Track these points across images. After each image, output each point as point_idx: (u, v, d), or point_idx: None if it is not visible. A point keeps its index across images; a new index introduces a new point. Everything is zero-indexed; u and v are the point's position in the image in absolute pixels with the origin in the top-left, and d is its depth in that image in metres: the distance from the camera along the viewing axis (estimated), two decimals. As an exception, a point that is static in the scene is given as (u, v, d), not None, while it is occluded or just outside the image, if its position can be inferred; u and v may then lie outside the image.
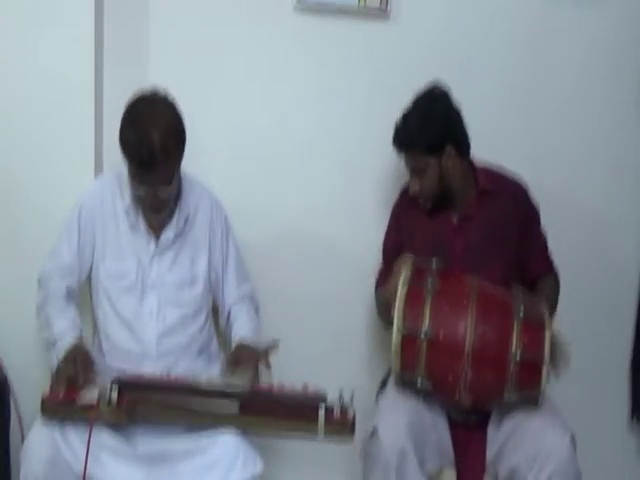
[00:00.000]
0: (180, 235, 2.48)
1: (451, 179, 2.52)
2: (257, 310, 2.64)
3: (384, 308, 2.60)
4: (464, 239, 2.54)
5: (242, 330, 2.51)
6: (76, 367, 2.23)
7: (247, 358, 2.36)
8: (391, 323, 2.32)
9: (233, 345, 2.48)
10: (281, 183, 2.90)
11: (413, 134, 2.48)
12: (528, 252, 2.59)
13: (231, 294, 2.58)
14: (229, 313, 2.59)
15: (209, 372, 2.45)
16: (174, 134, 2.31)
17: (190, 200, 2.50)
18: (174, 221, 2.46)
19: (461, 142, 2.53)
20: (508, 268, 2.52)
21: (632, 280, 2.96)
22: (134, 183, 2.35)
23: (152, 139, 2.24)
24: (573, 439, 2.27)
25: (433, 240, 2.56)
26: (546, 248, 2.66)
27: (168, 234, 2.46)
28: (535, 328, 2.28)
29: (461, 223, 2.56)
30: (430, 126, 2.47)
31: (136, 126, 2.29)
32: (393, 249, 2.67)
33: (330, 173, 2.90)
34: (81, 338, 2.37)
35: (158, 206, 2.40)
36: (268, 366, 2.32)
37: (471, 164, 2.59)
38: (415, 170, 2.53)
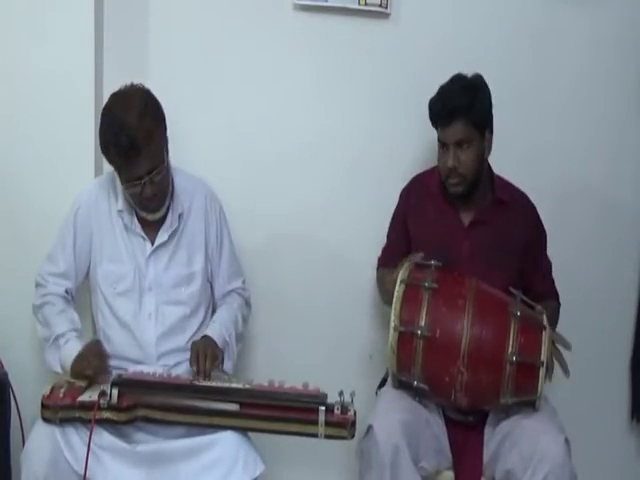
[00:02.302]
0: (175, 233, 2.48)
1: (482, 169, 2.50)
2: (247, 302, 2.66)
3: (383, 289, 2.65)
4: (471, 243, 2.53)
5: (214, 322, 2.51)
6: (98, 362, 2.26)
7: (195, 348, 2.36)
8: (389, 301, 2.33)
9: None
10: (281, 184, 2.90)
11: (466, 100, 2.43)
12: (533, 271, 2.58)
13: (223, 288, 2.60)
14: (217, 305, 2.61)
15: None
16: (148, 112, 2.31)
17: (183, 197, 2.50)
18: (168, 221, 2.46)
19: (492, 134, 2.52)
20: (511, 278, 2.50)
21: (632, 279, 2.96)
22: (128, 182, 2.33)
23: (127, 125, 2.24)
24: (567, 441, 2.26)
25: (440, 239, 2.54)
26: (550, 272, 2.66)
27: (163, 235, 2.46)
28: (532, 329, 2.27)
29: (471, 227, 2.55)
30: (480, 97, 2.45)
31: (108, 121, 2.29)
32: (398, 231, 2.68)
33: (330, 174, 2.90)
34: (96, 338, 2.40)
35: (156, 197, 2.37)
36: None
37: (490, 168, 2.59)
38: (459, 142, 2.45)
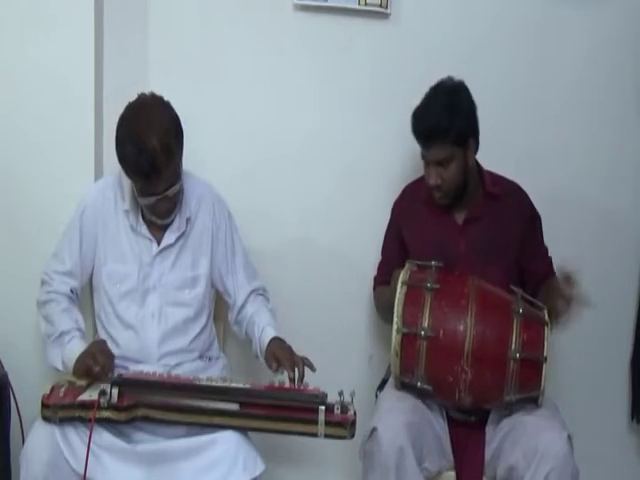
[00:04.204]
0: (182, 236, 2.48)
1: (470, 175, 2.51)
2: (269, 304, 2.64)
3: (382, 306, 2.64)
4: (467, 240, 2.53)
5: (269, 327, 2.48)
6: (104, 360, 2.24)
7: (286, 355, 2.35)
8: (390, 320, 2.32)
9: (266, 341, 2.44)
10: (281, 185, 2.90)
11: (444, 123, 2.41)
12: (532, 257, 2.58)
13: (243, 289, 2.56)
14: (242, 307, 2.57)
15: (209, 373, 2.45)
16: (171, 132, 2.29)
17: (191, 201, 2.49)
18: (175, 224, 2.46)
19: (478, 136, 2.52)
20: (508, 272, 2.52)
21: (632, 279, 2.96)
22: (143, 196, 2.33)
23: (150, 147, 2.22)
24: (570, 438, 2.27)
25: (436, 240, 2.55)
26: (547, 254, 2.66)
27: (170, 237, 2.46)
28: (535, 326, 2.28)
29: (466, 224, 2.55)
30: (459, 116, 2.43)
31: (130, 141, 2.26)
32: (393, 245, 2.67)
33: (329, 174, 2.90)
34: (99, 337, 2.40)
35: (169, 208, 2.40)
36: (312, 368, 2.35)
37: (478, 163, 2.59)
38: (439, 162, 2.46)
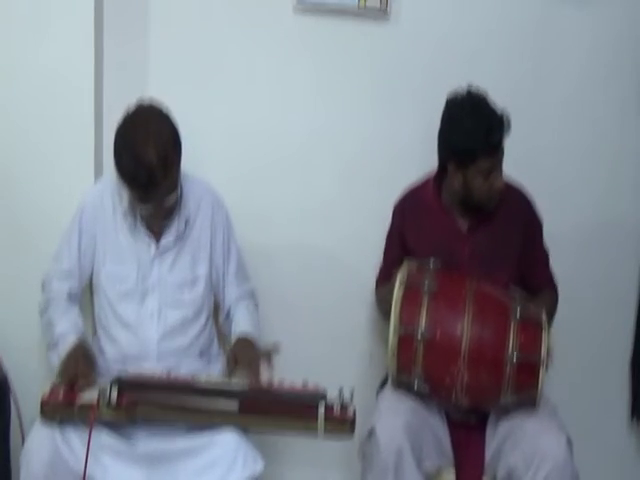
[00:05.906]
0: (180, 237, 2.48)
1: None
2: (256, 307, 2.64)
3: (383, 305, 2.63)
4: (471, 248, 2.52)
5: (241, 325, 2.50)
6: (78, 366, 2.24)
7: (247, 355, 2.35)
8: (390, 317, 2.32)
9: (232, 340, 2.47)
10: (281, 186, 2.90)
11: (504, 124, 2.41)
12: (531, 263, 2.58)
13: (232, 293, 2.58)
14: (229, 309, 2.59)
15: (209, 372, 2.45)
16: (168, 145, 2.27)
17: (190, 202, 2.49)
18: (174, 225, 2.46)
19: None
20: (512, 278, 2.52)
21: (632, 280, 2.96)
22: (139, 204, 2.34)
23: (147, 160, 2.21)
24: (569, 440, 2.27)
25: (440, 247, 2.52)
26: (547, 262, 2.65)
27: (168, 238, 2.46)
28: (532, 329, 2.28)
29: (470, 231, 2.54)
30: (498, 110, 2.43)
31: (127, 154, 2.25)
32: (394, 249, 2.66)
33: (330, 175, 2.90)
34: (84, 338, 2.39)
35: (166, 216, 2.40)
36: (271, 366, 2.32)
37: None
38: (500, 164, 2.45)
